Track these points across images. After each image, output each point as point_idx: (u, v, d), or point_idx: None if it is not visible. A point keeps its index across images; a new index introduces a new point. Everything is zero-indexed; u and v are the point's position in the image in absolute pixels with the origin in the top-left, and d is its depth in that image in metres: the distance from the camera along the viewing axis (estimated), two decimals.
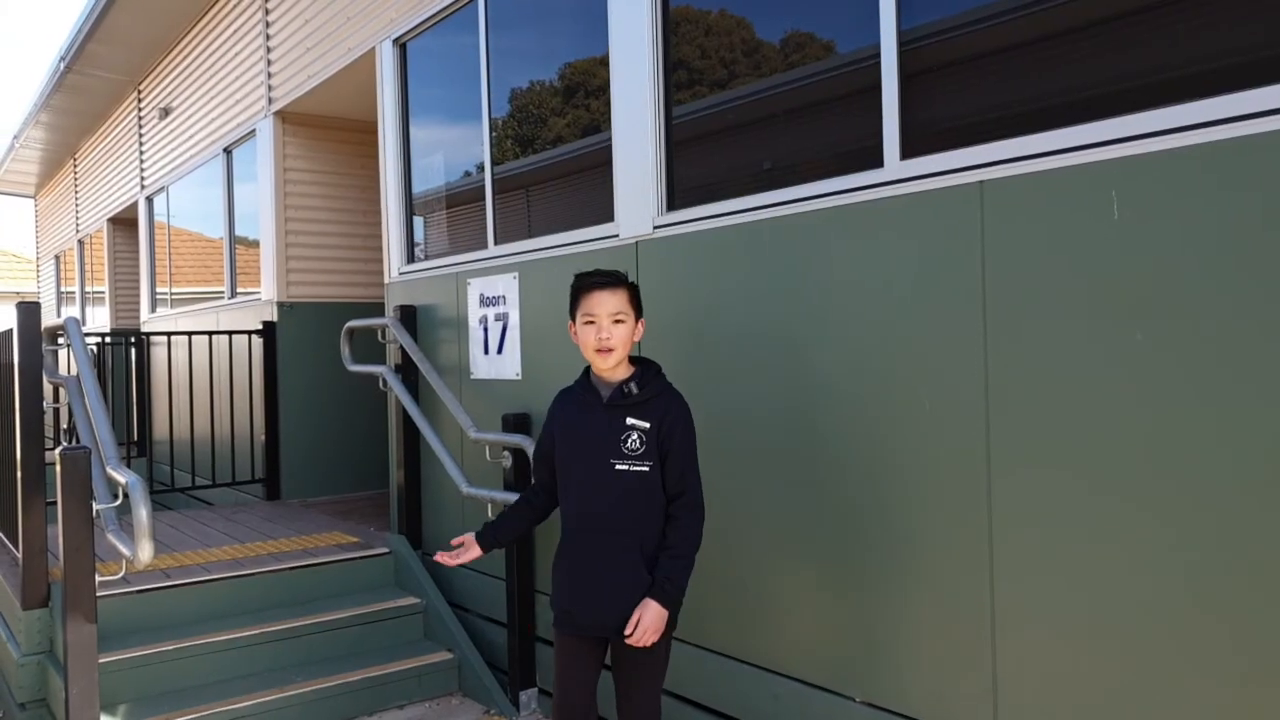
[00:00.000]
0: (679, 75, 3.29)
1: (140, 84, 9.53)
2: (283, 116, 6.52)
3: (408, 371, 4.75)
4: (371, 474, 6.62)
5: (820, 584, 2.76)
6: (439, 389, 4.25)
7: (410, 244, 5.04)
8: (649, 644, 2.40)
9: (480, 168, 4.42)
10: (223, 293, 7.55)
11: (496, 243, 4.27)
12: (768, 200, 2.88)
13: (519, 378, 4.05)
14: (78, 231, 12.67)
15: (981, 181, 2.31)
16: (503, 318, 4.15)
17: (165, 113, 8.82)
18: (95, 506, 3.18)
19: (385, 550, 4.71)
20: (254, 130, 6.79)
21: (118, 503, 3.11)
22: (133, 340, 8.83)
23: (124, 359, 9.56)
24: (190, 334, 6.79)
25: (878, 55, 2.58)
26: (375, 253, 6.75)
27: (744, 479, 2.98)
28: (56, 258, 14.42)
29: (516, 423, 3.90)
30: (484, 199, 4.35)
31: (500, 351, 4.18)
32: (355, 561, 4.61)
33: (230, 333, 6.58)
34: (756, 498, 2.94)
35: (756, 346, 2.92)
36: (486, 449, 3.92)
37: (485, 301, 4.28)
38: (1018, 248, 2.24)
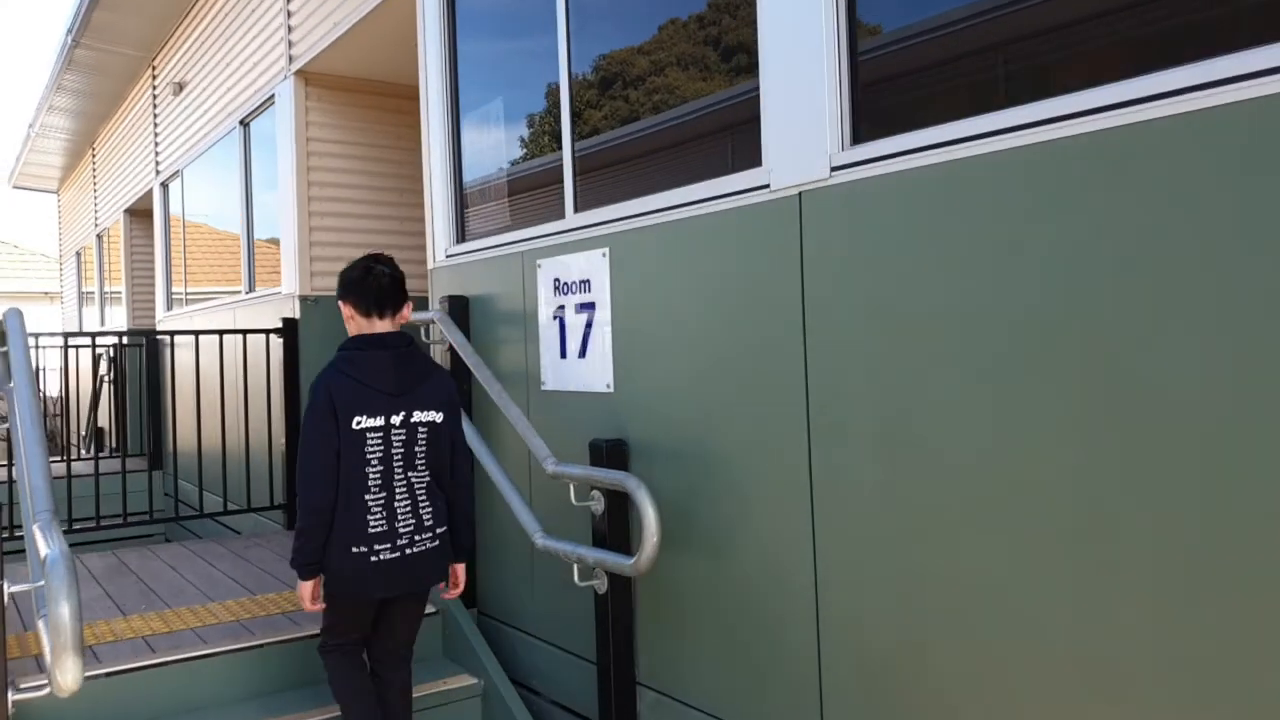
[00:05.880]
0: None
1: (154, 59, 8.64)
2: (305, 77, 5.53)
3: (458, 378, 3.72)
4: None
5: None
6: (504, 406, 3.21)
7: (460, 218, 4.01)
8: None
9: (552, 101, 3.37)
10: (241, 290, 6.60)
11: (578, 209, 3.22)
12: (1042, 113, 1.79)
13: (610, 390, 3.00)
14: (96, 225, 11.86)
15: None
16: (587, 309, 3.11)
17: (179, 88, 7.90)
18: (7, 588, 2.17)
19: (432, 610, 3.67)
20: (272, 96, 5.81)
21: (40, 584, 2.08)
22: (143, 341, 7.95)
23: (139, 362, 8.71)
24: (197, 333, 5.83)
25: None
26: (414, 238, 5.74)
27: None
28: (77, 254, 13.64)
29: (611, 453, 2.85)
30: (559, 152, 3.30)
31: (583, 355, 3.14)
32: None
33: (245, 331, 5.61)
34: None
35: (1038, 339, 1.84)
36: (571, 488, 2.87)
37: (562, 288, 3.24)
38: None
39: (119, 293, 10.86)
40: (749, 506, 2.47)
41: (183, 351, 6.91)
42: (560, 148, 3.28)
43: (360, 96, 5.72)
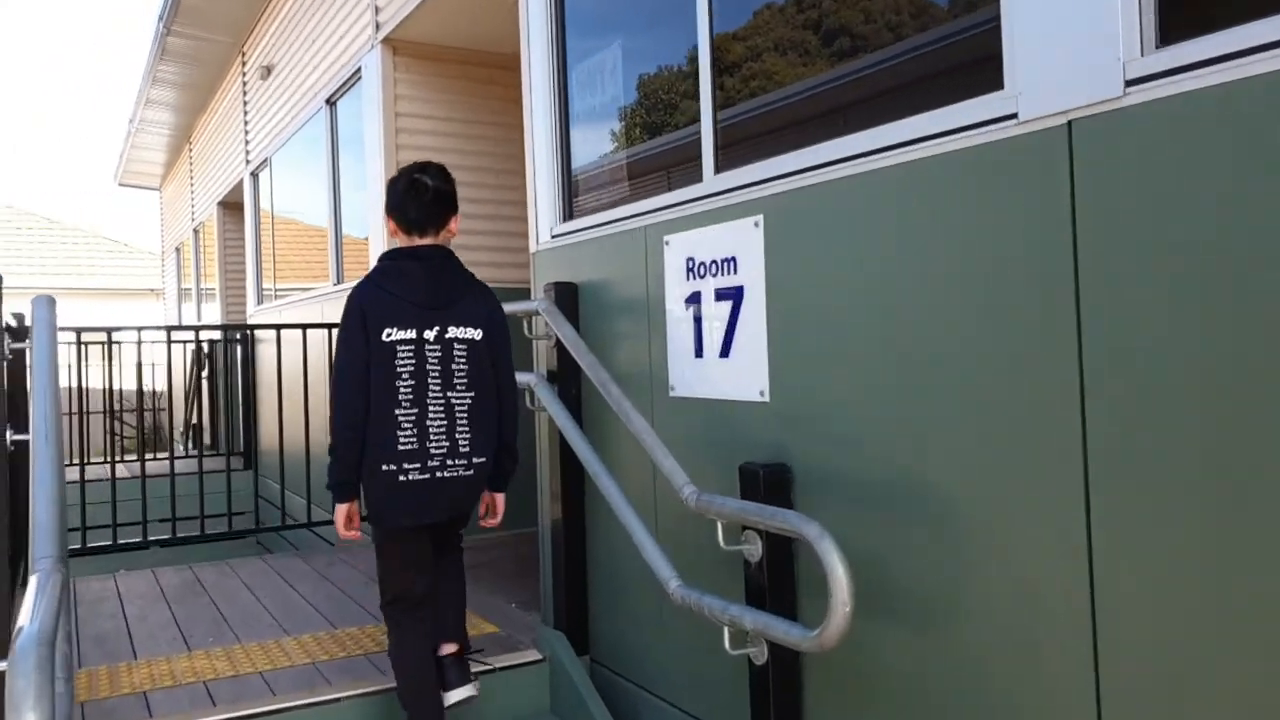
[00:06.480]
0: None
1: (244, 45, 8.37)
2: (393, 46, 5.04)
3: (566, 380, 3.13)
4: (512, 506, 5.07)
5: None
6: (626, 416, 2.58)
7: (568, 191, 3.41)
8: None
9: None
10: (329, 283, 6.18)
11: (719, 170, 2.57)
12: None
13: (765, 399, 2.34)
14: (193, 220, 11.79)
15: None
16: (732, 295, 2.46)
17: (267, 72, 7.57)
18: None
19: (537, 656, 3.09)
20: (359, 69, 5.34)
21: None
22: (238, 337, 7.67)
23: (227, 358, 8.48)
24: (279, 327, 5.42)
25: None
26: (512, 223, 5.20)
27: None
28: (177, 250, 13.69)
29: (770, 482, 2.19)
30: (696, 97, 2.65)
31: (725, 353, 2.49)
32: (492, 673, 3.02)
33: (330, 326, 5.15)
34: None
35: None
36: (719, 527, 2.22)
37: (697, 270, 2.60)
38: None
39: (213, 289, 10.73)
40: (981, 562, 1.78)
41: (271, 348, 6.55)
42: (697, 92, 2.63)
43: (450, 66, 5.20)
